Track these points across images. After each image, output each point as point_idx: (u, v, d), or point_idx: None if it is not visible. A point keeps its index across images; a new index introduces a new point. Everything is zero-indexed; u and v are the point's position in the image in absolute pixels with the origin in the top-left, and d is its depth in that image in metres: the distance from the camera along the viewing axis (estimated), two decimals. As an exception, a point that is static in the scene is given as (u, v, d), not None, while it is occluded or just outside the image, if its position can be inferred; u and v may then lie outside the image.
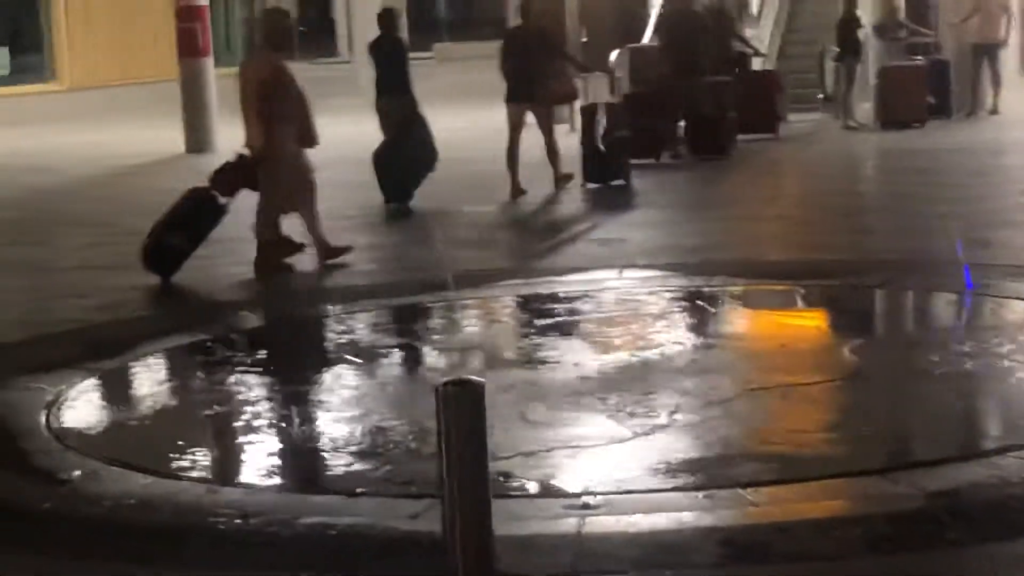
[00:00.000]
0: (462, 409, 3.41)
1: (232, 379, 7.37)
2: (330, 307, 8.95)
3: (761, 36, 20.99)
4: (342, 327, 8.57)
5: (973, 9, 19.66)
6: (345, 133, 20.93)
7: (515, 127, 13.99)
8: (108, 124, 24.43)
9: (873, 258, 9.72)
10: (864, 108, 19.14)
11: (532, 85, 13.82)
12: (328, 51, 40.07)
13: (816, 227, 11.27)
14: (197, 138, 19.21)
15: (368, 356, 7.75)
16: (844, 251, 10.10)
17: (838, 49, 18.93)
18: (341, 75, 32.50)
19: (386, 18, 14.55)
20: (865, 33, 19.32)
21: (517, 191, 13.66)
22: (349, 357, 7.69)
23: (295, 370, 7.57)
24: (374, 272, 10.16)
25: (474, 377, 3.42)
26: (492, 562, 3.79)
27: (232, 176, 10.30)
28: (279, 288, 9.81)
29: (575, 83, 15.32)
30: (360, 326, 8.63)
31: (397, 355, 7.91)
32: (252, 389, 7.16)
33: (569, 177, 14.09)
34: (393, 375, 7.58)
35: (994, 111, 19.36)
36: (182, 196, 10.46)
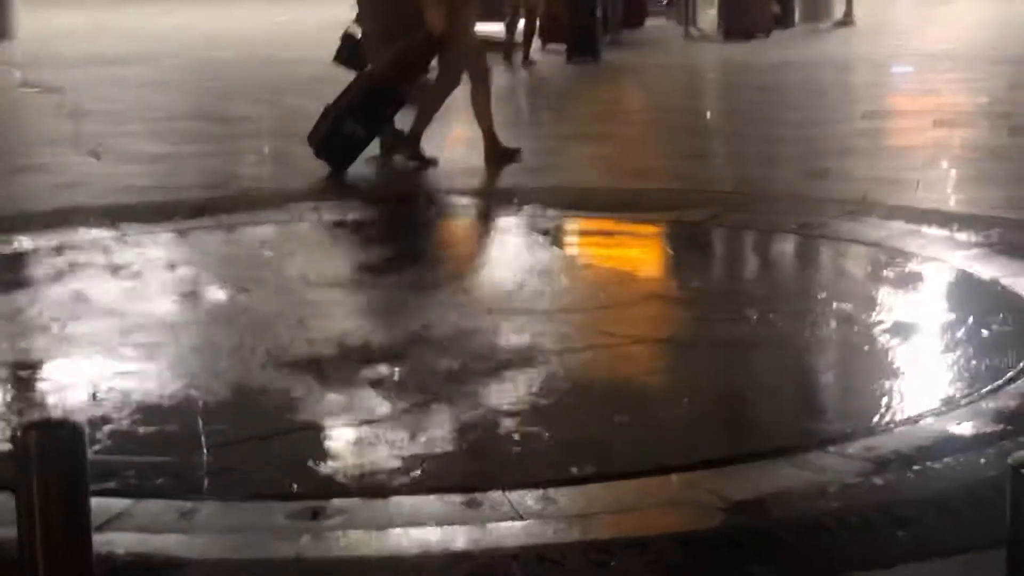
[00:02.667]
0: (54, 465, 2.38)
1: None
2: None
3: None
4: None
5: None
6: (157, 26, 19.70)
7: None
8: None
9: (700, 189, 8.79)
10: (709, 15, 18.26)
11: None
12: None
13: (644, 150, 10.32)
14: (-6, 24, 17.86)
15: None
16: (670, 179, 9.17)
17: (681, -50, 18.00)
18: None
19: None
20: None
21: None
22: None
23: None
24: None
25: (67, 418, 2.42)
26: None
27: (411, 61, 9.39)
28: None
29: None
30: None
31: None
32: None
33: None
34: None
35: (846, 22, 18.56)
36: (356, 81, 9.54)
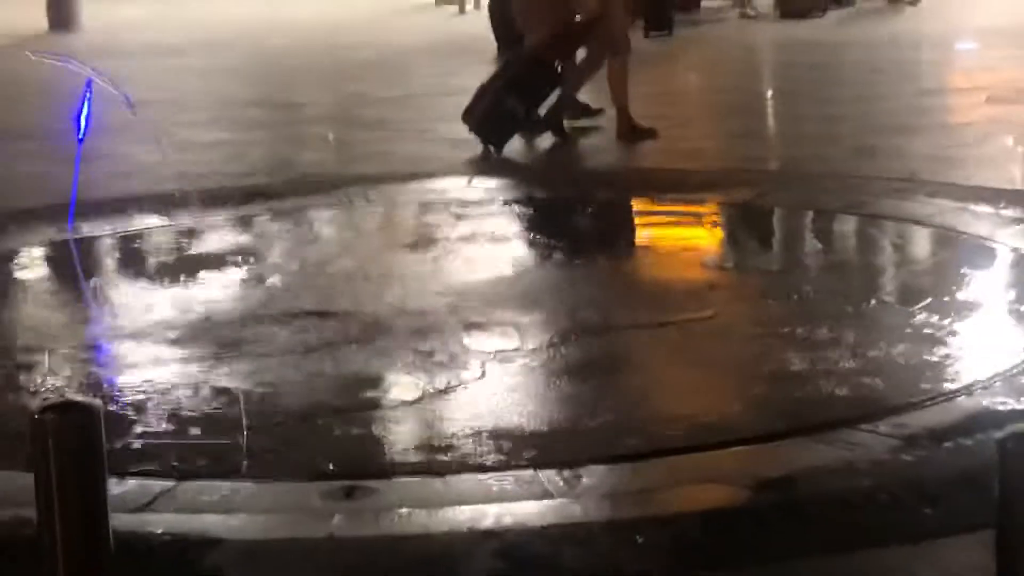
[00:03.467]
0: (69, 448, 2.44)
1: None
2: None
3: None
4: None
5: None
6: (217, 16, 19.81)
7: None
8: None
9: (748, 168, 8.77)
10: (764, -6, 18.22)
11: None
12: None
13: (693, 130, 10.27)
14: (60, 15, 18.00)
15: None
16: (718, 159, 9.17)
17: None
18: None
19: None
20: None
21: None
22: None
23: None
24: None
25: (85, 399, 2.48)
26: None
27: (569, 38, 9.56)
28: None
29: None
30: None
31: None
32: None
33: None
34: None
35: (913, 1, 18.35)
36: (512, 59, 9.77)
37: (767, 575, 3.73)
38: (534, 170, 9.16)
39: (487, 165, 9.20)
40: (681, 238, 7.61)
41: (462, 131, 10.29)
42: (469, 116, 9.57)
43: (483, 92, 9.61)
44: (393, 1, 20.56)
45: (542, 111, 9.74)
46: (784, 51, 15.34)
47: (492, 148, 9.40)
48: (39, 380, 5.34)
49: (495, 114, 9.44)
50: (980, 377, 5.01)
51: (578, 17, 9.73)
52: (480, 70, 13.95)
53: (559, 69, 9.72)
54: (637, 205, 8.17)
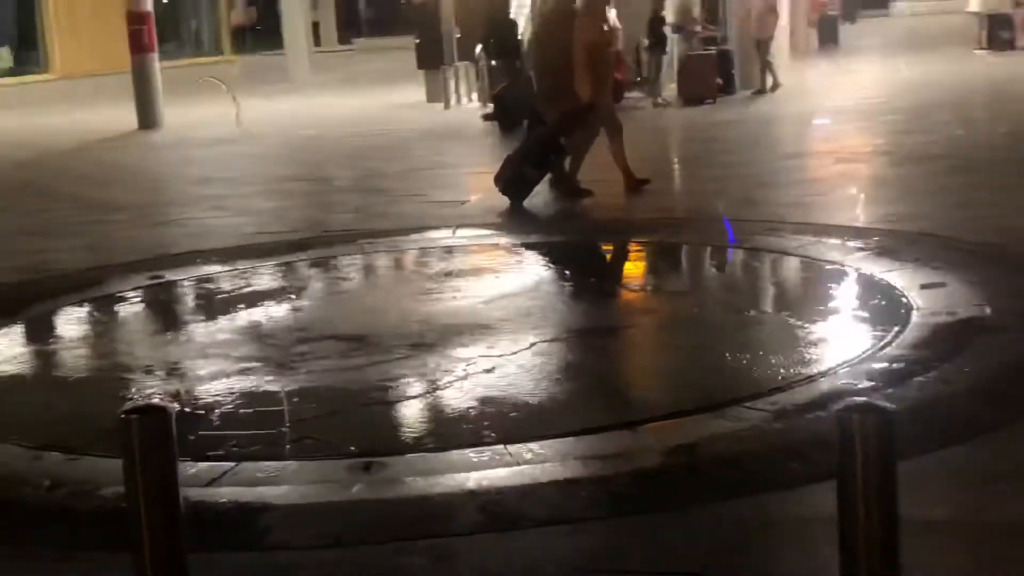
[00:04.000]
0: (148, 441, 2.43)
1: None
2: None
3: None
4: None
5: (745, 14, 18.77)
6: (263, 113, 19.72)
7: None
8: (90, 107, 22.85)
9: (661, 216, 8.78)
10: (670, 88, 18.20)
11: None
12: (272, 44, 37.74)
13: (620, 189, 10.19)
14: (147, 117, 17.93)
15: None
16: (638, 210, 9.17)
17: (648, 41, 17.91)
18: (277, 63, 30.95)
19: None
20: (669, 29, 18.35)
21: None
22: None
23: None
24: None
25: (161, 402, 2.48)
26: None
27: (574, 120, 9.58)
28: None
29: None
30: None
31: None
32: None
33: None
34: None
35: (775, 87, 18.43)
36: (531, 136, 9.88)
37: (679, 517, 3.74)
38: (502, 223, 9.12)
39: (465, 219, 9.18)
40: (611, 269, 7.64)
41: (450, 195, 10.34)
42: (498, 180, 9.65)
43: (508, 161, 9.70)
44: (394, 100, 20.57)
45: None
46: (686, 130, 15.34)
47: (516, 205, 9.47)
48: (134, 388, 5.32)
49: (515, 178, 9.52)
50: (831, 365, 5.05)
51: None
52: (461, 150, 14.02)
53: (564, 142, 9.79)
54: (577, 246, 8.17)
